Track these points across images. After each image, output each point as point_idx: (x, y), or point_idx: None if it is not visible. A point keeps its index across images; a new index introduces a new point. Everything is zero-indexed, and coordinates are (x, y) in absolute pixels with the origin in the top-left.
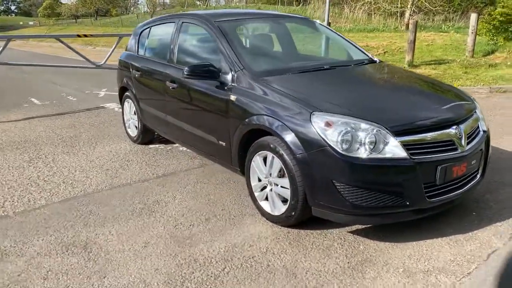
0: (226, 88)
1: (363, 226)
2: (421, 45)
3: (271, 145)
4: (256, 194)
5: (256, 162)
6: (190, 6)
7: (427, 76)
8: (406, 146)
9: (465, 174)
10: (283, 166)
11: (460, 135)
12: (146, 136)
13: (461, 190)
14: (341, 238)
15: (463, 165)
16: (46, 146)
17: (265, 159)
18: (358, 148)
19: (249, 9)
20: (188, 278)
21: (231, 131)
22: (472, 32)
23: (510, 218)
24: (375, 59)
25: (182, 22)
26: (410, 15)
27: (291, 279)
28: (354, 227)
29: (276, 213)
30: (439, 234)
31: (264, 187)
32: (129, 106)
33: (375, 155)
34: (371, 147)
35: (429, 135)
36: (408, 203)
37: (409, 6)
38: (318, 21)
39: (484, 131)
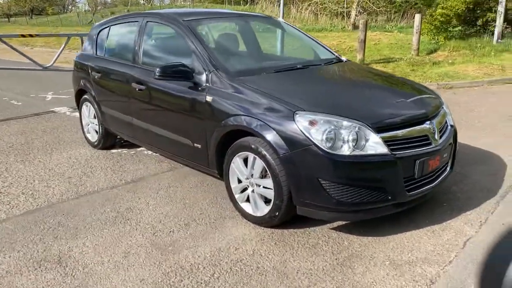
0: (200, 88)
1: (345, 223)
2: (369, 44)
3: (252, 146)
4: (236, 196)
5: (236, 163)
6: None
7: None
8: (386, 142)
9: (438, 167)
10: (265, 167)
11: (433, 130)
12: (108, 141)
13: (435, 183)
14: (325, 236)
15: (437, 158)
16: None
17: (245, 160)
18: (342, 146)
19: (196, 8)
20: (177, 287)
21: (208, 132)
22: (416, 32)
23: (477, 207)
24: (343, 58)
25: (147, 22)
26: (356, 15)
27: (284, 280)
28: (336, 224)
29: (259, 214)
30: (416, 226)
31: (245, 189)
32: (88, 110)
33: (358, 152)
34: (354, 144)
35: (406, 131)
36: (389, 198)
37: (354, 7)
38: (282, 20)
39: (451, 126)
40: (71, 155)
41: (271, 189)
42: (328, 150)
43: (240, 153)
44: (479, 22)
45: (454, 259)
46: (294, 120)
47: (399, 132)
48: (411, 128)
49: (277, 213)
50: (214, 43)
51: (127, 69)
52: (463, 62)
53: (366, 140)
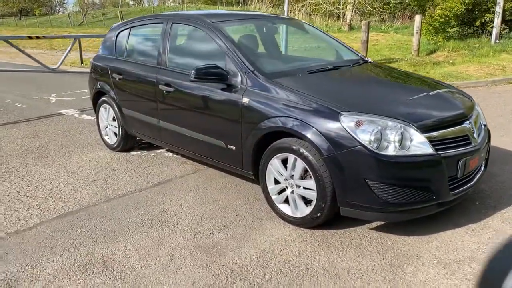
0: (234, 90)
1: (383, 223)
2: (368, 45)
3: (293, 147)
4: (273, 197)
5: (274, 164)
6: (123, 6)
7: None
8: (431, 142)
9: (477, 166)
10: (307, 167)
11: (472, 130)
12: (128, 143)
13: (473, 182)
14: (366, 236)
15: (476, 158)
16: (12, 158)
17: (283, 162)
18: (387, 146)
19: (189, 9)
20: None
21: (243, 134)
22: (417, 33)
23: (510, 205)
24: (367, 58)
25: (172, 23)
26: (352, 16)
27: (336, 281)
28: (375, 224)
29: (299, 215)
30: (455, 225)
31: (282, 190)
32: (107, 112)
33: (404, 152)
34: (399, 144)
35: (449, 131)
36: (434, 197)
37: (350, 8)
38: (304, 22)
39: (484, 125)
40: (91, 158)
41: (313, 190)
42: (375, 151)
43: (279, 154)
44: (477, 23)
45: (501, 257)
46: (339, 120)
47: (443, 132)
48: (453, 128)
49: (319, 214)
50: (243, 44)
51: (152, 71)
52: (463, 62)
53: (411, 140)
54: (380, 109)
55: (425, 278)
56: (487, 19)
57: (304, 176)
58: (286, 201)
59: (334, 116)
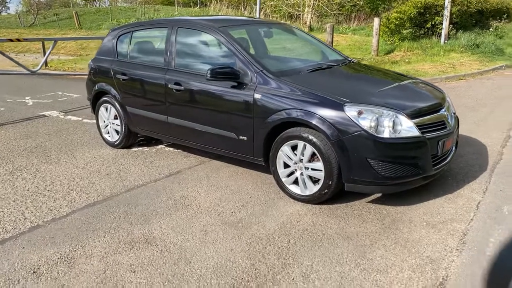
0: (245, 87)
1: (377, 197)
2: (332, 46)
3: (303, 135)
4: (283, 179)
5: (285, 151)
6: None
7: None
8: (417, 126)
9: (451, 146)
10: (316, 152)
11: (447, 116)
12: (129, 140)
13: (448, 159)
14: (365, 207)
15: (450, 139)
16: (15, 157)
17: (292, 148)
18: (383, 131)
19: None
20: (265, 251)
21: (255, 126)
22: (376, 34)
23: (476, 178)
24: (350, 58)
25: (178, 28)
26: (311, 17)
27: (350, 241)
28: (370, 198)
29: (308, 193)
30: (435, 196)
31: (291, 173)
32: (108, 111)
33: (397, 135)
34: (392, 128)
35: (430, 117)
36: (420, 172)
37: (309, 10)
38: (294, 26)
39: (454, 113)
40: (95, 155)
41: (321, 170)
42: (375, 134)
43: (289, 142)
44: (428, 25)
45: (474, 217)
46: (343, 110)
47: (425, 118)
48: (433, 115)
49: (326, 190)
50: (248, 47)
51: (160, 72)
52: (418, 61)
53: (401, 125)
54: (375, 100)
55: (419, 236)
56: (437, 22)
57: (311, 159)
58: (295, 182)
59: (338, 107)
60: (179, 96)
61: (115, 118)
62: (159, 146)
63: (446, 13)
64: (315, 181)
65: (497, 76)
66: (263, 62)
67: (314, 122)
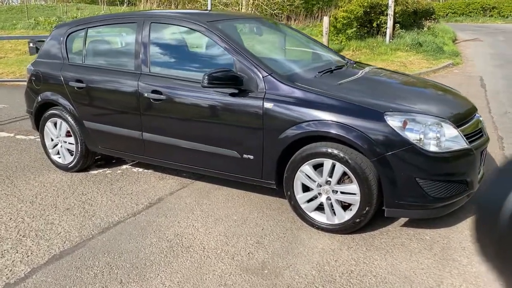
0: (250, 95)
1: (406, 220)
2: None
3: (331, 151)
4: (303, 206)
5: (305, 171)
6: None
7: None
8: (465, 136)
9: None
10: (349, 172)
11: (482, 121)
12: (87, 162)
13: (481, 172)
14: (403, 234)
15: (486, 148)
16: None
17: (315, 167)
18: (430, 143)
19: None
20: None
21: (265, 141)
22: (326, 33)
23: None
24: (347, 59)
25: (151, 23)
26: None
27: (411, 283)
28: (400, 220)
29: (337, 221)
30: (465, 210)
31: (313, 198)
32: (58, 127)
33: (445, 148)
34: (439, 140)
35: (470, 124)
36: (467, 188)
37: (245, 7)
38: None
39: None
40: (44, 183)
41: (354, 194)
42: (424, 148)
43: (311, 160)
44: (374, 24)
45: None
46: (385, 121)
47: (467, 126)
48: (472, 121)
49: (362, 218)
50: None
51: (131, 78)
52: (367, 60)
53: (445, 136)
54: (415, 108)
55: (478, 269)
56: (382, 21)
57: (341, 180)
58: (318, 208)
59: (378, 117)
60: (158, 107)
61: (68, 135)
62: (124, 167)
63: (390, 12)
64: (344, 206)
65: (448, 73)
66: (271, 65)
67: (349, 136)
